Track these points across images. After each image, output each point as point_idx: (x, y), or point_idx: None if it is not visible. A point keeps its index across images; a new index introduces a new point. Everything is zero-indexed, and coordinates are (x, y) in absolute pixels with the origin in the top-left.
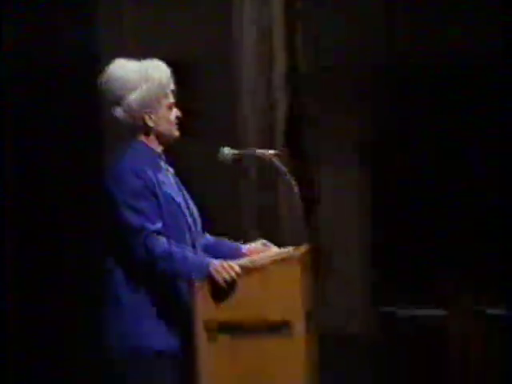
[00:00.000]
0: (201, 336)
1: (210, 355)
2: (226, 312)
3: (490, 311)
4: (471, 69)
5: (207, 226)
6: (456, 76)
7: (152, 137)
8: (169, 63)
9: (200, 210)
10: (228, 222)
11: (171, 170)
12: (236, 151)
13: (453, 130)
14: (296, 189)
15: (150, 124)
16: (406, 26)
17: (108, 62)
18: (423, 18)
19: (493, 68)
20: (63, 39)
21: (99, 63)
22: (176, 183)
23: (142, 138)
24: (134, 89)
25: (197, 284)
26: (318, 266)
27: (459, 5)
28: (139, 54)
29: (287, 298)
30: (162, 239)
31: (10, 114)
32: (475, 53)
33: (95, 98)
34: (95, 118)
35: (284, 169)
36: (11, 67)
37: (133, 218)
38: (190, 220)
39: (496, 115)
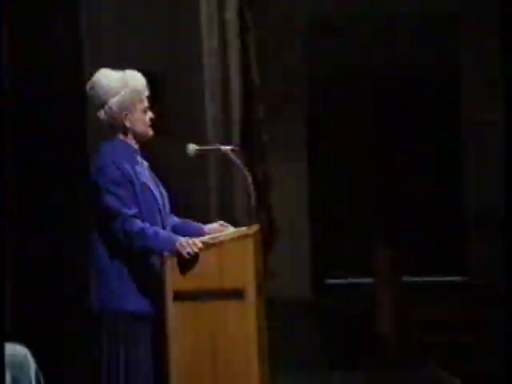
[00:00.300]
0: (169, 301)
1: (177, 317)
2: (190, 281)
3: (411, 280)
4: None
5: (177, 210)
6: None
7: (130, 135)
8: (144, 73)
9: (170, 196)
10: (193, 207)
11: (146, 163)
12: (199, 147)
13: (378, 128)
14: (249, 178)
15: (128, 124)
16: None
17: (91, 72)
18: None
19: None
20: (55, 56)
21: (84, 74)
22: (149, 174)
23: (121, 136)
24: (114, 94)
25: (166, 257)
26: (268, 243)
27: None
28: (119, 66)
29: (241, 269)
30: (138, 221)
31: (10, 116)
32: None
33: (81, 103)
34: (81, 119)
35: (239, 162)
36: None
37: (113, 203)
38: (160, 204)
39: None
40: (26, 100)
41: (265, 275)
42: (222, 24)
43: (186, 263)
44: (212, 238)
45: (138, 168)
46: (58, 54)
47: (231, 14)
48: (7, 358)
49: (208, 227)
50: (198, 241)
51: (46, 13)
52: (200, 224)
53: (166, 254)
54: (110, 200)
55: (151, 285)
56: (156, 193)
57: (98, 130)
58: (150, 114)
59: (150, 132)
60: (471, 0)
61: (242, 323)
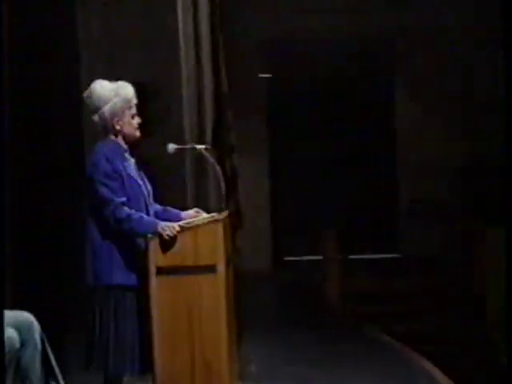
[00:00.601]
0: (152, 275)
1: (159, 289)
2: (170, 258)
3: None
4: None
5: (159, 199)
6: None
7: (119, 137)
8: (133, 84)
9: (153, 187)
10: (173, 197)
11: (133, 159)
12: (178, 146)
13: (326, 127)
14: (219, 172)
15: (118, 127)
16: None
17: (88, 83)
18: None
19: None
20: (56, 68)
21: (80, 84)
22: (136, 168)
23: (112, 137)
24: (107, 102)
25: (150, 238)
26: (236, 226)
27: None
28: (111, 77)
29: (213, 248)
30: (126, 208)
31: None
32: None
33: (79, 109)
34: (78, 124)
35: (211, 158)
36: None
37: (105, 193)
38: (145, 194)
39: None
40: (31, 107)
41: (233, 253)
42: (197, 42)
43: (167, 243)
44: (188, 223)
45: (126, 164)
46: (58, 66)
47: (205, 33)
48: (17, 323)
49: (185, 213)
50: (176, 225)
51: (48, 30)
52: (178, 211)
53: (149, 235)
54: (103, 190)
55: (137, 262)
56: (141, 184)
57: (92, 131)
58: (137, 119)
59: (138, 134)
60: (406, 28)
61: (214, 293)
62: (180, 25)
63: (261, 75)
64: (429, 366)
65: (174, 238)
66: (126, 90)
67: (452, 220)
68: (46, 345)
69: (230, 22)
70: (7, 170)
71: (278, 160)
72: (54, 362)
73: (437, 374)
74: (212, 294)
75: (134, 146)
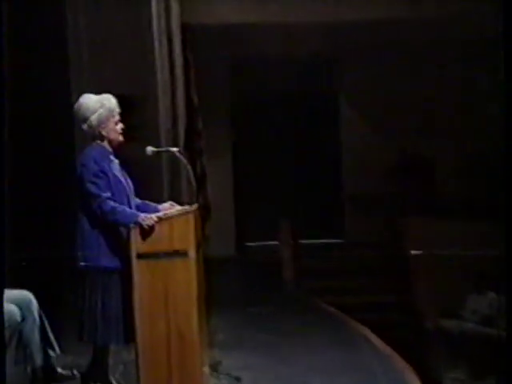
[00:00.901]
0: (134, 259)
1: (139, 271)
2: (149, 245)
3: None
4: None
5: (139, 195)
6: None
7: (105, 141)
8: (116, 96)
9: (134, 184)
10: (151, 192)
11: (117, 160)
12: (155, 149)
13: (282, 131)
14: (191, 172)
15: (104, 133)
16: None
17: (77, 97)
18: None
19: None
20: (49, 82)
21: (71, 97)
22: (120, 169)
23: (99, 141)
24: (94, 112)
25: (131, 228)
26: (205, 217)
27: None
28: (97, 91)
29: (185, 236)
30: (111, 202)
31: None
32: None
33: (70, 119)
34: (69, 131)
35: (183, 159)
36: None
37: (93, 189)
38: (127, 190)
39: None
40: (29, 117)
41: (202, 240)
42: (171, 61)
43: (146, 232)
44: (164, 214)
45: (111, 165)
46: (50, 81)
47: (178, 52)
48: (17, 300)
49: (161, 206)
50: (154, 216)
51: (43, 49)
52: (156, 204)
53: (131, 225)
54: (91, 187)
55: (120, 248)
56: (124, 182)
57: (82, 137)
58: (120, 126)
59: (121, 138)
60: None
61: (186, 274)
62: (156, 50)
63: (226, 89)
64: (367, 331)
65: (152, 228)
66: (110, 101)
67: (386, 211)
68: (44, 319)
69: (200, 42)
70: (9, 168)
71: (240, 161)
72: (50, 334)
73: (373, 338)
74: (184, 275)
75: (118, 149)
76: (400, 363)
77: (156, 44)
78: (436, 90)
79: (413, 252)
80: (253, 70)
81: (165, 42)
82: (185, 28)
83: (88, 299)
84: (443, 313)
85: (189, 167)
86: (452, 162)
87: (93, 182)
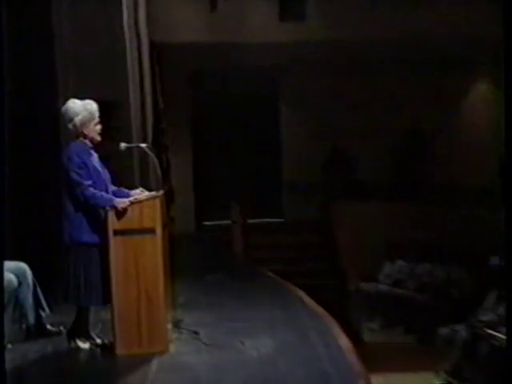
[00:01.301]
0: (111, 236)
1: (115, 246)
2: (123, 224)
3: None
4: None
5: (115, 182)
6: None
7: (87, 139)
8: (96, 102)
9: (111, 174)
10: (125, 180)
11: (96, 154)
12: (128, 145)
13: (229, 130)
14: (157, 163)
15: (85, 132)
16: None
17: (64, 101)
18: None
19: None
20: (39, 89)
21: (56, 102)
22: (98, 161)
23: (81, 139)
24: (78, 115)
25: (108, 210)
26: (169, 201)
27: None
28: (80, 97)
29: (153, 217)
30: (91, 189)
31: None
32: None
33: (57, 119)
34: (57, 129)
35: (151, 153)
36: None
37: (76, 178)
38: (105, 179)
39: None
40: (22, 122)
41: (167, 220)
42: (141, 72)
43: (120, 213)
44: (135, 199)
45: (91, 158)
46: (39, 88)
47: (146, 66)
48: (15, 270)
49: (133, 192)
50: (126, 200)
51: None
52: (128, 190)
53: (108, 208)
54: (75, 176)
55: (99, 226)
56: (102, 172)
57: (67, 134)
58: (99, 127)
59: (99, 138)
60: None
61: (153, 248)
62: (128, 64)
63: (187, 96)
64: (302, 294)
65: (125, 210)
66: (92, 106)
67: (319, 195)
68: (36, 285)
69: (166, 57)
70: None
71: (198, 155)
72: (41, 297)
73: (307, 299)
74: (152, 249)
75: (97, 145)
76: (328, 319)
77: (128, 59)
78: (359, 100)
79: (340, 229)
80: (210, 80)
81: (136, 57)
82: (153, 45)
83: (73, 269)
84: (363, 277)
85: (155, 160)
86: (373, 156)
87: (76, 172)
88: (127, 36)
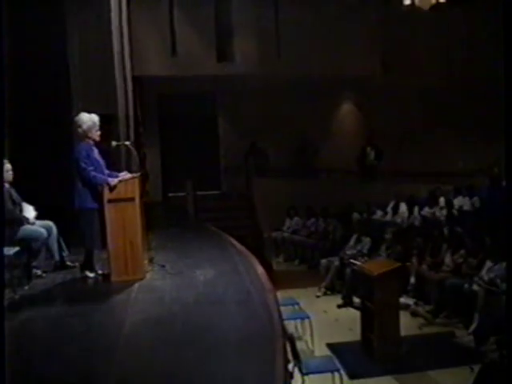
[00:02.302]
0: (106, 203)
1: (109, 210)
2: (114, 195)
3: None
4: None
5: (109, 169)
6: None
7: (90, 140)
8: (98, 114)
9: (107, 163)
10: (116, 167)
11: (97, 150)
12: (117, 143)
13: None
14: (136, 155)
15: (89, 135)
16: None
17: (74, 114)
18: None
19: None
20: (56, 102)
21: (70, 115)
22: (98, 155)
23: (87, 139)
24: (85, 123)
25: (104, 186)
26: (145, 180)
27: None
28: (88, 108)
29: (133, 190)
30: (94, 173)
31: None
32: None
33: (69, 128)
34: (70, 132)
35: (133, 149)
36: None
37: (83, 165)
38: (102, 166)
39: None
40: (48, 125)
41: (144, 192)
42: (126, 94)
43: (112, 188)
44: (123, 179)
45: (93, 152)
46: (60, 103)
47: (130, 89)
48: (45, 226)
49: (120, 174)
50: (116, 180)
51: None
52: (117, 173)
53: (104, 185)
54: (82, 164)
55: (98, 197)
56: (101, 161)
57: (77, 136)
58: (99, 132)
59: (98, 139)
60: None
61: (134, 211)
62: (118, 88)
63: (155, 111)
64: (233, 240)
65: (115, 186)
66: (95, 118)
67: (244, 175)
68: (59, 236)
69: (140, 82)
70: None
71: (164, 149)
72: (63, 244)
73: (237, 244)
74: (133, 211)
75: (97, 144)
76: (250, 256)
77: (118, 85)
78: (270, 113)
79: (257, 197)
80: (171, 100)
81: (123, 84)
82: (133, 76)
83: (82, 225)
84: (272, 228)
85: (135, 153)
86: (278, 149)
87: (84, 162)
88: (117, 68)
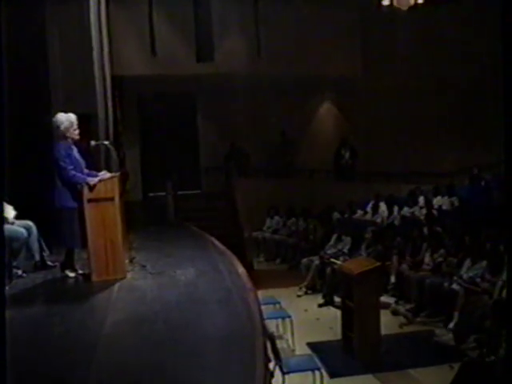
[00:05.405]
0: (86, 203)
1: (89, 209)
2: (94, 194)
3: (179, 192)
4: None
5: (88, 168)
6: None
7: (69, 139)
8: (77, 114)
9: (86, 162)
10: (95, 167)
11: (76, 149)
12: (96, 142)
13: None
14: (115, 155)
15: (68, 135)
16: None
17: (54, 114)
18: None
19: None
20: (35, 103)
21: (49, 114)
22: (78, 154)
23: (65, 139)
24: (63, 123)
25: (84, 185)
26: (125, 179)
27: None
28: (67, 108)
29: (113, 189)
30: (73, 172)
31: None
32: None
33: (48, 127)
34: (49, 132)
35: (112, 148)
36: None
37: (63, 165)
38: (82, 165)
39: None
40: (27, 126)
41: (124, 192)
42: (105, 94)
43: (91, 188)
44: (102, 179)
45: (72, 151)
46: (38, 103)
47: (109, 89)
48: (25, 226)
49: (100, 174)
50: (96, 179)
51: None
52: (96, 172)
53: (83, 184)
54: (62, 163)
55: (78, 196)
56: (80, 160)
57: (56, 136)
58: (77, 131)
59: (77, 137)
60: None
61: (114, 211)
62: (97, 88)
63: (135, 111)
64: (214, 239)
65: (95, 185)
66: (72, 117)
67: (224, 175)
68: (40, 235)
69: (120, 83)
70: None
71: (144, 149)
72: (43, 243)
73: (217, 243)
74: (113, 211)
75: (76, 143)
76: (231, 255)
77: (97, 85)
78: (249, 114)
79: (237, 196)
80: (150, 100)
81: (102, 83)
82: (112, 76)
83: (63, 224)
84: (253, 228)
85: (114, 152)
86: (258, 150)
87: (63, 161)
88: (96, 67)
